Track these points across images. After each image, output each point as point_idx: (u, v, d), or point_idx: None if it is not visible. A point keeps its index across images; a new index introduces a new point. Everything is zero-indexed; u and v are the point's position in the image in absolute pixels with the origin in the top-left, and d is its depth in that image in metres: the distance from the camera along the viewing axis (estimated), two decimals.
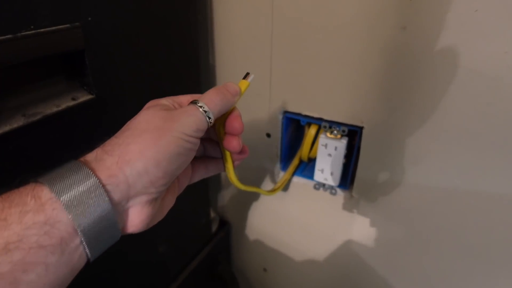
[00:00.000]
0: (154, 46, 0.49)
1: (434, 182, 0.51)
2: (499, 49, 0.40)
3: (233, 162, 0.38)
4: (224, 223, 0.79)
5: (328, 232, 0.65)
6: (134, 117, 0.30)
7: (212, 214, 0.77)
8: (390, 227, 0.58)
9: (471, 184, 0.49)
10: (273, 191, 0.59)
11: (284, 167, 0.64)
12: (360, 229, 0.62)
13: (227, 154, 0.37)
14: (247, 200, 0.74)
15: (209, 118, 0.30)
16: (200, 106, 0.30)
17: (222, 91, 0.33)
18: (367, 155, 0.54)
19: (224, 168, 0.38)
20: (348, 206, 0.60)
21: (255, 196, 0.72)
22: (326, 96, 0.53)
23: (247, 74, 0.37)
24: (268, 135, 0.61)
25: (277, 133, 0.60)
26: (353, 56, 0.48)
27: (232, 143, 0.35)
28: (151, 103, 0.32)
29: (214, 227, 0.78)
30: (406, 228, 0.57)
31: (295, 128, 0.65)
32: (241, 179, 0.71)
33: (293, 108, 0.57)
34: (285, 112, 0.58)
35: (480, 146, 0.46)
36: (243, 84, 0.36)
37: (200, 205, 0.70)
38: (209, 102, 0.31)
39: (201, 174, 0.38)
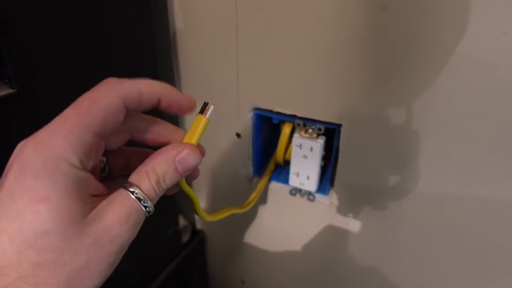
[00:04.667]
0: (97, 34, 0.42)
1: (424, 187, 0.45)
2: (495, 30, 0.34)
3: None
4: (196, 232, 0.72)
5: (307, 242, 0.59)
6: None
7: (183, 222, 0.70)
8: (373, 236, 0.52)
9: (466, 189, 0.42)
10: (247, 205, 0.52)
11: (258, 171, 0.58)
12: (340, 238, 0.55)
13: (194, 196, 0.30)
14: (222, 206, 0.67)
15: (146, 207, 0.23)
16: (132, 192, 0.22)
17: (171, 165, 0.24)
18: (347, 157, 0.47)
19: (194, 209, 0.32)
20: (328, 214, 0.54)
21: (228, 198, 0.65)
22: (298, 90, 0.46)
23: (205, 105, 0.26)
24: (238, 135, 0.55)
25: (247, 133, 0.54)
26: (327, 43, 0.42)
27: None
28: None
29: (185, 237, 0.71)
30: (392, 237, 0.50)
31: (270, 127, 0.58)
32: (213, 186, 0.64)
33: (264, 104, 0.50)
34: (256, 109, 0.52)
35: (476, 145, 0.40)
36: (199, 123, 0.26)
37: (166, 212, 0.63)
38: (148, 186, 0.23)
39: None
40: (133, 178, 0.23)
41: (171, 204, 0.63)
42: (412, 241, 0.49)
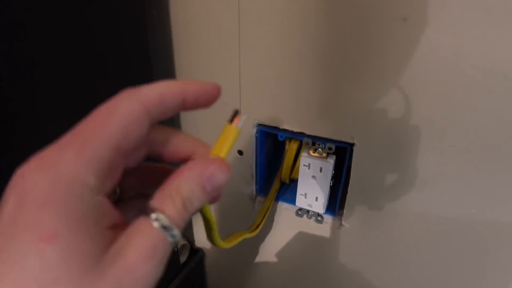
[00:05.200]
0: (90, 49, 0.38)
1: (443, 211, 0.41)
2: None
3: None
4: (195, 251, 0.69)
5: (315, 265, 0.55)
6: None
7: (181, 241, 0.67)
8: (388, 262, 0.48)
9: (489, 213, 0.39)
10: (256, 228, 0.48)
11: (261, 189, 0.54)
12: (351, 263, 0.52)
13: (214, 222, 0.25)
14: (223, 227, 0.63)
15: (173, 237, 0.18)
16: (156, 219, 0.18)
17: (199, 184, 0.19)
18: (360, 178, 0.44)
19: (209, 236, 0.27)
20: (337, 236, 0.50)
21: (230, 218, 0.61)
22: (307, 106, 0.43)
23: (235, 113, 0.22)
24: (240, 153, 0.51)
25: (250, 150, 0.50)
26: (338, 54, 0.38)
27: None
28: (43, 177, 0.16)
29: (183, 257, 0.67)
30: (407, 263, 0.47)
31: (273, 143, 0.54)
32: (214, 206, 0.60)
33: (269, 120, 0.47)
34: (259, 125, 0.48)
35: (503, 167, 0.36)
36: (229, 134, 0.22)
37: None
38: (173, 211, 0.18)
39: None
40: (155, 202, 0.19)
41: None
42: (427, 265, 0.46)
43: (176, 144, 0.22)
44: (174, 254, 0.63)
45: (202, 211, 0.23)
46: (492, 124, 0.35)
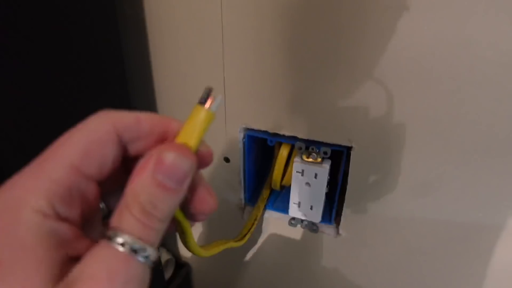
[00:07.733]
0: (60, 50, 0.34)
1: (448, 216, 0.38)
2: None
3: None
4: (181, 266, 0.64)
5: (310, 277, 0.52)
6: None
7: (165, 256, 0.62)
8: (389, 272, 0.45)
9: (498, 217, 0.36)
10: (242, 238, 0.44)
11: (250, 197, 0.50)
12: (349, 273, 0.48)
13: (186, 225, 0.20)
14: (211, 239, 0.59)
15: (141, 254, 0.15)
16: (111, 238, 0.15)
17: (156, 183, 0.16)
18: (358, 183, 0.41)
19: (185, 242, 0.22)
20: (334, 246, 0.47)
21: (218, 230, 0.57)
22: (299, 107, 0.39)
23: (208, 92, 0.18)
24: (227, 160, 0.47)
25: (237, 156, 0.46)
26: (331, 51, 0.35)
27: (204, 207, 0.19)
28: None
29: (168, 272, 0.62)
30: (410, 272, 0.44)
31: (261, 147, 0.51)
32: None
33: (256, 124, 0.43)
34: (247, 129, 0.44)
35: (504, 172, 0.34)
36: (199, 116, 0.17)
37: None
38: (132, 224, 0.15)
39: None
40: (113, 218, 0.16)
41: None
42: (430, 273, 0.43)
43: (148, 131, 0.18)
44: (159, 270, 0.59)
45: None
46: (502, 122, 0.32)
